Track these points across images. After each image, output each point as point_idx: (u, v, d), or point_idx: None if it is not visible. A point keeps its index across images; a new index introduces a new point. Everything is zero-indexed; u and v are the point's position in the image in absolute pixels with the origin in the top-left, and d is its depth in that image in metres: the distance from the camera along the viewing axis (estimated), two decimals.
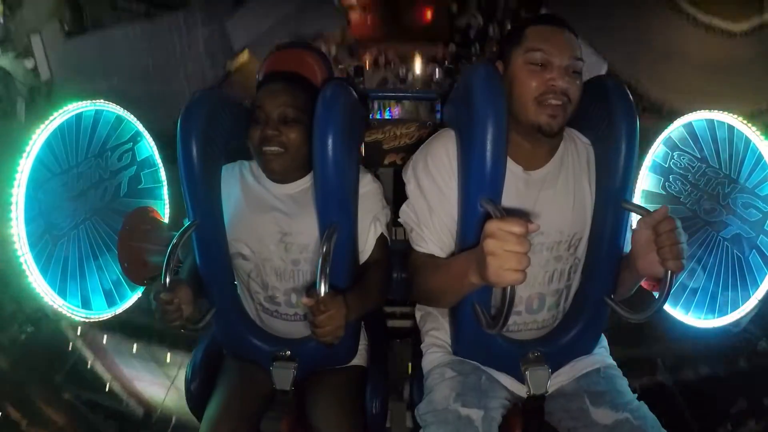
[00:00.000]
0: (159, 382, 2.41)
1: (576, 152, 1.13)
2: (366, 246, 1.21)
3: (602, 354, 1.20)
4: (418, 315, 1.32)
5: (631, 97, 1.05)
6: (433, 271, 1.06)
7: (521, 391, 1.13)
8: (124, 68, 4.17)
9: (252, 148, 1.17)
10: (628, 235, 1.10)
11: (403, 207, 1.17)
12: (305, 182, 1.21)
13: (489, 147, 0.94)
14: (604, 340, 1.25)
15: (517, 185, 1.06)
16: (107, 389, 2.37)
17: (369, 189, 1.21)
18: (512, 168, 1.06)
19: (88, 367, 2.45)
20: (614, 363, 1.20)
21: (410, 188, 1.15)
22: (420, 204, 1.11)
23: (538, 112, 1.01)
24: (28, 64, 4.33)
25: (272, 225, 1.19)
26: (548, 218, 1.06)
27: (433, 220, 1.09)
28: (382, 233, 1.23)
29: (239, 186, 1.23)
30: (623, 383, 1.13)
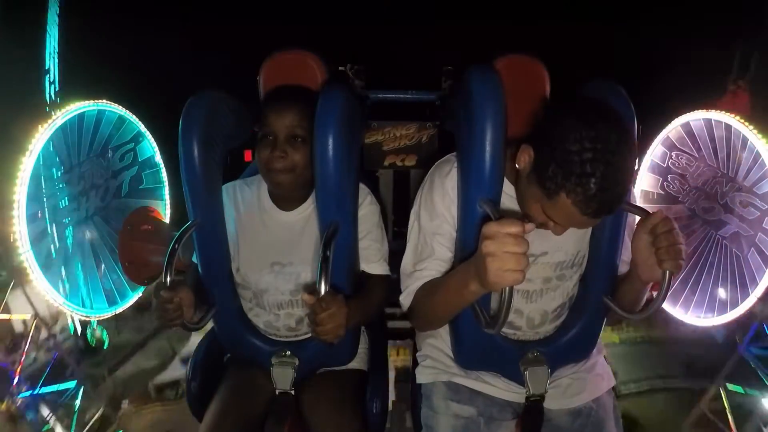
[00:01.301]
0: None
1: None
2: (368, 271, 1.21)
3: (601, 375, 1.19)
4: None
5: (629, 100, 1.06)
6: (430, 294, 1.06)
7: (520, 397, 1.13)
8: None
9: (258, 166, 1.17)
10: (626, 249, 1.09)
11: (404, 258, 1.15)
12: (307, 206, 1.20)
13: (488, 149, 0.95)
14: (601, 344, 1.24)
15: (515, 208, 1.06)
16: None
17: (366, 211, 1.20)
18: (511, 193, 1.05)
19: None
20: (611, 382, 1.19)
21: (410, 229, 1.14)
22: (419, 236, 1.11)
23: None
24: None
25: (272, 257, 1.19)
26: (552, 241, 1.05)
27: (434, 243, 1.08)
28: (387, 276, 1.23)
29: (241, 214, 1.22)
30: (609, 424, 1.13)
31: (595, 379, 1.17)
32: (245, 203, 1.23)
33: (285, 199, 1.20)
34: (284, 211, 1.20)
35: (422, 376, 1.21)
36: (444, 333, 1.19)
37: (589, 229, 1.10)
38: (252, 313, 1.25)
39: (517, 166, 0.98)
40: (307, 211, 1.19)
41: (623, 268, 1.10)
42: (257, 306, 1.23)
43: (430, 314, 1.09)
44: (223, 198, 1.18)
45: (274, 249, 1.19)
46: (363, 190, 1.22)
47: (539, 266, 1.07)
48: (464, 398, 1.13)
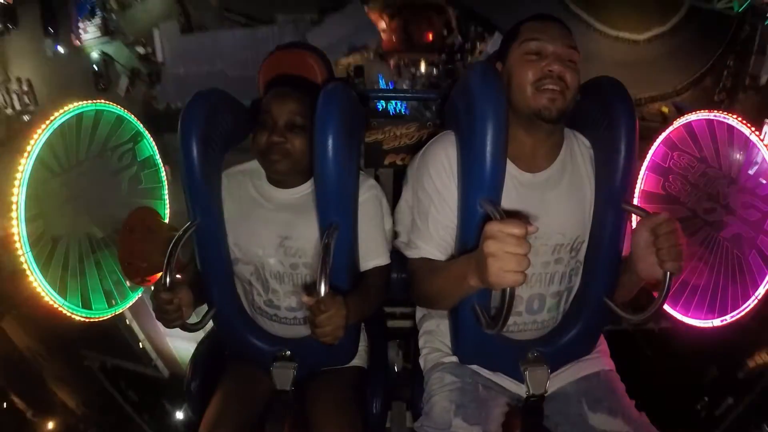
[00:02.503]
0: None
1: (579, 154, 1.12)
2: (368, 261, 1.21)
3: (602, 358, 1.20)
4: (418, 314, 1.32)
5: (630, 97, 1.05)
6: (431, 275, 1.06)
7: (521, 390, 1.13)
8: (226, 58, 6.19)
9: (257, 151, 1.17)
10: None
11: (398, 207, 1.18)
12: (306, 188, 1.21)
13: (489, 147, 0.94)
14: (603, 343, 1.24)
15: (518, 188, 1.06)
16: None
17: (368, 196, 1.20)
18: (514, 172, 1.05)
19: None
20: (614, 367, 1.20)
21: (407, 191, 1.15)
22: (415, 208, 1.12)
23: (537, 96, 1.02)
24: (140, 50, 6.31)
25: (272, 229, 1.19)
26: (550, 221, 1.06)
27: (430, 223, 1.08)
28: (387, 264, 1.24)
29: (240, 193, 1.23)
30: (622, 388, 1.13)
31: (597, 361, 1.18)
32: (244, 185, 1.23)
33: (282, 182, 1.21)
34: (282, 189, 1.21)
35: (425, 363, 1.21)
36: (444, 329, 1.19)
37: (589, 214, 1.10)
38: (254, 293, 1.24)
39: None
40: (307, 191, 1.20)
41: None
42: (257, 284, 1.23)
43: (428, 294, 1.10)
44: (223, 182, 1.18)
45: (275, 224, 1.19)
46: (362, 175, 1.22)
47: (537, 248, 1.06)
48: (464, 373, 1.13)
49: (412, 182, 1.14)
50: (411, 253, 1.12)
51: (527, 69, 1.02)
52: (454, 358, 1.16)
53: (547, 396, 1.12)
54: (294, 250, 1.19)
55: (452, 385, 1.09)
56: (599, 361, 1.18)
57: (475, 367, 1.15)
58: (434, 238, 1.09)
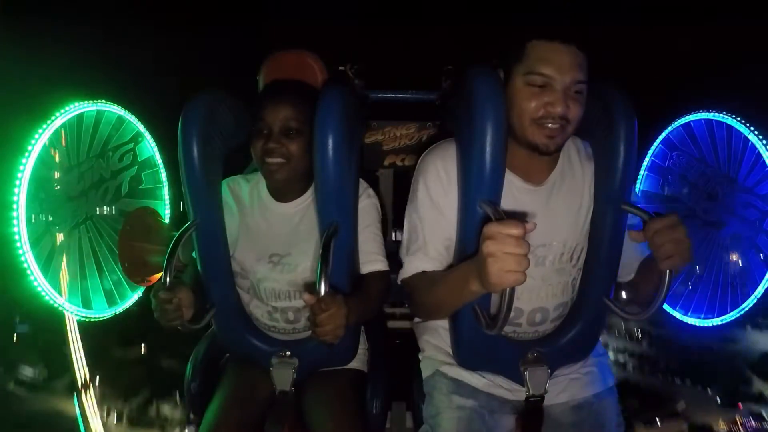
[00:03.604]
0: None
1: (578, 160, 1.12)
2: (368, 266, 1.21)
3: (598, 378, 1.19)
4: (415, 317, 1.32)
5: (630, 98, 1.06)
6: (430, 286, 1.06)
7: (520, 396, 1.13)
8: None
9: (255, 159, 1.18)
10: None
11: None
12: (306, 198, 1.21)
13: (488, 149, 0.95)
14: (604, 352, 1.24)
15: (517, 197, 1.06)
16: None
17: (365, 205, 1.20)
18: (513, 180, 1.05)
19: None
20: (612, 383, 1.19)
21: (408, 206, 1.14)
22: (410, 219, 1.12)
23: (536, 132, 1.01)
24: None
25: (270, 248, 1.20)
26: (550, 230, 1.05)
27: (425, 234, 1.08)
28: (386, 271, 1.23)
29: (239, 207, 1.23)
30: (610, 417, 1.13)
31: (595, 376, 1.17)
32: (244, 197, 1.24)
33: (283, 192, 1.21)
34: (282, 203, 1.21)
35: (424, 370, 1.21)
36: (443, 331, 1.19)
37: (587, 221, 1.10)
38: (252, 305, 1.25)
39: None
40: (305, 203, 1.20)
41: (626, 276, 1.11)
42: (255, 297, 1.23)
43: (428, 306, 1.09)
44: (223, 192, 1.19)
45: (273, 241, 1.20)
46: (362, 184, 1.22)
47: (538, 259, 1.06)
48: (466, 392, 1.12)
49: (410, 198, 1.13)
50: (406, 269, 1.11)
51: (529, 102, 0.99)
52: (454, 362, 1.16)
53: (544, 423, 1.11)
54: (292, 267, 1.19)
55: (461, 411, 1.09)
56: (595, 382, 1.17)
57: (476, 382, 1.14)
58: (429, 250, 1.08)
